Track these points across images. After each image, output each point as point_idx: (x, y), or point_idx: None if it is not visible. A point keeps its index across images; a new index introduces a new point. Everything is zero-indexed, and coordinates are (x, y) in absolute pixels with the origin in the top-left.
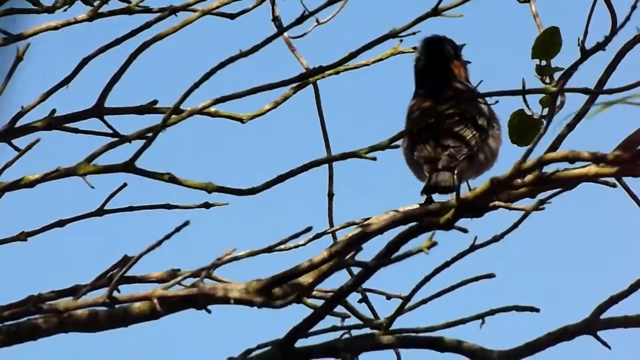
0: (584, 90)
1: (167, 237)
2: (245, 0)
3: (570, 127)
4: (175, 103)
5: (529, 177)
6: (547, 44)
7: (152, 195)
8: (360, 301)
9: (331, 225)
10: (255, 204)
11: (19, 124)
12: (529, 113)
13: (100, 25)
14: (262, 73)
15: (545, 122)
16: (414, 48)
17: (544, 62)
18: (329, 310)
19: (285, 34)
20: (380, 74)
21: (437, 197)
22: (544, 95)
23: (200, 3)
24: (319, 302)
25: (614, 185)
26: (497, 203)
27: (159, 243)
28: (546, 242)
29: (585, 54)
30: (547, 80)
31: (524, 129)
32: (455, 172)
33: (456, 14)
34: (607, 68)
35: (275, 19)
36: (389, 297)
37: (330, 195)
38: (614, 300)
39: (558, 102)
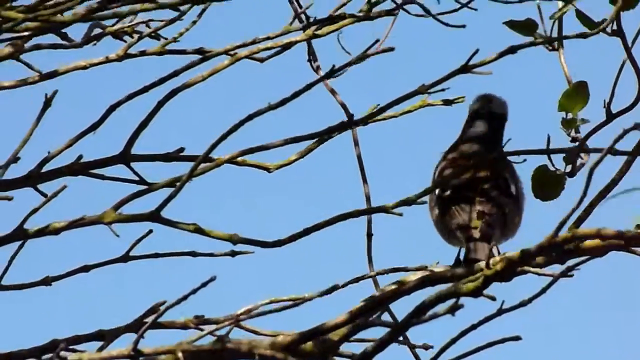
0: (611, 151)
1: (194, 291)
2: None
3: (600, 197)
4: (202, 154)
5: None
6: (575, 97)
7: (177, 243)
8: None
9: (370, 264)
10: (283, 253)
11: (45, 168)
12: (552, 169)
13: (131, 61)
14: (294, 112)
15: (581, 197)
16: (445, 101)
17: (570, 115)
18: None
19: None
20: (407, 124)
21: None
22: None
23: (229, 45)
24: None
25: None
26: (526, 268)
27: (186, 297)
28: (573, 308)
29: (611, 116)
30: (573, 133)
31: (547, 185)
32: (492, 243)
33: (486, 71)
34: None
35: (312, 61)
36: (416, 357)
37: (370, 235)
38: None
39: (582, 160)
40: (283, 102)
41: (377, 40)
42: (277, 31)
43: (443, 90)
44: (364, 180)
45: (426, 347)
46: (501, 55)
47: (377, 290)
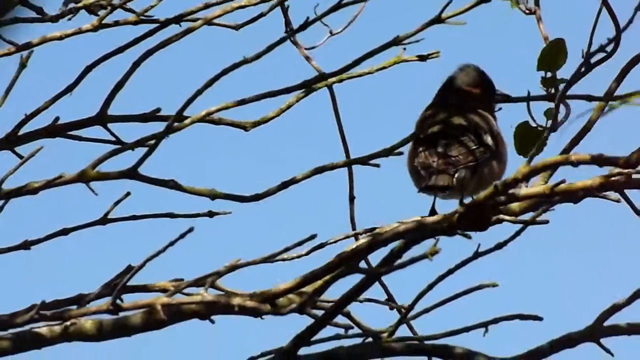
0: (587, 97)
1: (171, 243)
2: (251, 10)
3: (580, 136)
4: (178, 110)
5: (534, 190)
6: (553, 55)
7: (155, 203)
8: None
9: (354, 228)
10: (260, 212)
11: (22, 131)
12: (533, 125)
13: (105, 35)
14: (269, 79)
15: (548, 131)
16: (420, 57)
17: (549, 74)
18: (331, 319)
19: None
20: (383, 81)
21: (441, 210)
22: (548, 107)
23: (205, 11)
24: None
25: (617, 201)
26: (501, 216)
27: (163, 250)
28: (550, 254)
29: (589, 66)
30: (552, 92)
31: (529, 141)
32: (455, 176)
33: (459, 21)
34: (616, 79)
35: (288, 24)
36: (391, 307)
37: (352, 198)
38: (616, 308)
39: (563, 113)
40: (258, 56)
41: None
42: None
43: (418, 41)
44: (342, 135)
45: (405, 308)
46: (475, 4)
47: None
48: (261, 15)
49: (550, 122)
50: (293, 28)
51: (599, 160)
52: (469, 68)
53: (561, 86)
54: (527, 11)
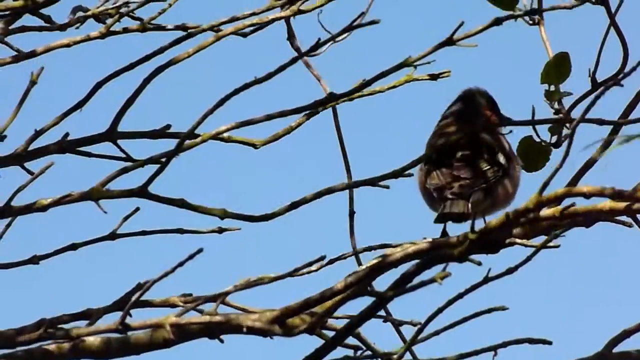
0: (597, 121)
1: (181, 264)
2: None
3: (590, 162)
4: (189, 129)
5: (545, 212)
6: (556, 69)
7: (165, 220)
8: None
9: (353, 244)
10: (268, 229)
11: (32, 147)
12: (537, 140)
13: (114, 42)
14: (277, 92)
15: (562, 155)
16: (431, 76)
17: (552, 87)
18: (341, 341)
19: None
20: (393, 99)
21: (451, 231)
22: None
23: (214, 21)
24: (333, 333)
25: (629, 225)
26: (513, 240)
27: (172, 270)
28: (561, 278)
29: (596, 85)
30: (556, 105)
31: (533, 156)
32: (470, 201)
33: (471, 44)
34: (630, 104)
35: (291, 37)
36: (400, 323)
37: (352, 214)
38: (627, 333)
39: (566, 132)
40: (269, 76)
41: (363, 14)
42: (262, 7)
43: (429, 63)
44: (344, 155)
45: (414, 324)
46: (487, 27)
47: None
48: (271, 21)
49: (555, 138)
50: (297, 42)
51: (611, 194)
52: (483, 92)
53: (565, 99)
54: (530, 22)
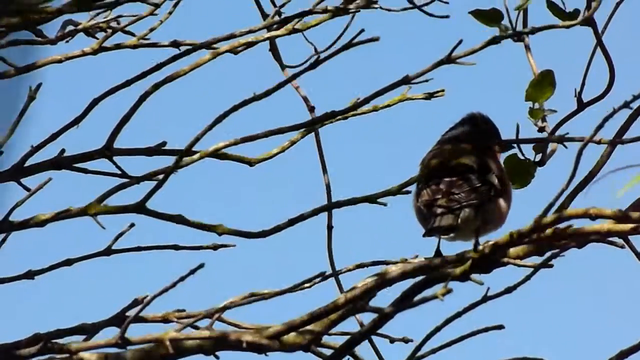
0: (581, 140)
1: (182, 279)
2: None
3: (585, 182)
4: (187, 145)
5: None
6: (541, 87)
7: (162, 236)
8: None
9: (331, 257)
10: (263, 246)
11: (28, 163)
12: (522, 158)
13: (106, 56)
14: (265, 110)
15: (569, 175)
16: (426, 95)
17: (536, 105)
18: (340, 358)
19: (289, 70)
20: (386, 117)
21: (448, 249)
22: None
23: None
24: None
25: (622, 247)
26: (506, 260)
27: (174, 285)
28: (556, 298)
29: (582, 105)
30: (540, 123)
31: (518, 173)
32: (460, 216)
33: (470, 62)
34: (623, 126)
35: (276, 57)
36: (392, 340)
37: (330, 227)
38: (623, 355)
39: (550, 149)
40: (268, 93)
41: (362, 30)
42: (258, 25)
43: (427, 80)
44: (324, 172)
45: (406, 341)
46: (485, 45)
47: (341, 291)
48: (267, 39)
49: (539, 156)
50: (280, 58)
51: (618, 217)
52: (487, 119)
53: (550, 117)
54: (515, 39)
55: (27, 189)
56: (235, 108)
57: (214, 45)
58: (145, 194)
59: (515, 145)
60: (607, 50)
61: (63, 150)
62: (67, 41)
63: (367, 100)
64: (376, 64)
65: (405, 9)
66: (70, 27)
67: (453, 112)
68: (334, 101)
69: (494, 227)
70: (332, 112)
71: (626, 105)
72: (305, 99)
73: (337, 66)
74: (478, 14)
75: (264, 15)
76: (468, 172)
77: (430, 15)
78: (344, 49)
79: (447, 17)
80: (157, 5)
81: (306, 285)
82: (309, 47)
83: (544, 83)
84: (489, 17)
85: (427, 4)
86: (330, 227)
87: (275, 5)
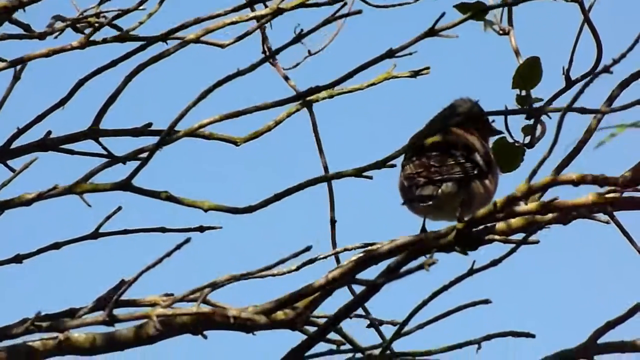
0: (580, 110)
1: (168, 254)
2: (236, 29)
3: (574, 153)
4: (171, 123)
5: (529, 206)
6: (528, 73)
7: (148, 215)
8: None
9: (334, 240)
10: (249, 226)
11: (14, 145)
12: (510, 141)
13: (94, 52)
14: (253, 102)
15: (550, 143)
16: (411, 73)
17: (524, 92)
18: (325, 335)
19: (279, 64)
20: (373, 95)
21: (434, 226)
22: (526, 124)
23: (191, 30)
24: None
25: (607, 222)
26: (492, 236)
27: (159, 261)
28: (542, 273)
29: (570, 83)
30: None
31: (507, 156)
32: (442, 188)
33: (452, 35)
34: (610, 95)
35: (267, 50)
36: (380, 323)
37: (333, 222)
38: (610, 325)
39: (539, 131)
40: (252, 68)
41: (345, 4)
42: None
43: (411, 54)
44: (320, 151)
45: (394, 324)
46: (467, 18)
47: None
48: (247, 34)
49: (528, 138)
50: (271, 48)
51: (599, 180)
52: (475, 104)
53: (537, 104)
54: (500, 32)
55: (13, 171)
56: (219, 83)
57: (199, 27)
58: (132, 171)
59: (504, 129)
60: (594, 27)
61: (49, 132)
62: (56, 37)
63: (351, 74)
64: (364, 44)
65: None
66: (59, 23)
67: (439, 90)
68: (321, 82)
69: (478, 206)
70: (317, 87)
71: (606, 70)
72: (286, 78)
73: (334, 56)
74: (462, 7)
75: (249, 3)
76: (452, 148)
77: None
78: (327, 22)
79: None
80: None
81: (293, 268)
82: (294, 26)
83: (530, 70)
84: (473, 9)
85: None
86: (333, 222)
87: None
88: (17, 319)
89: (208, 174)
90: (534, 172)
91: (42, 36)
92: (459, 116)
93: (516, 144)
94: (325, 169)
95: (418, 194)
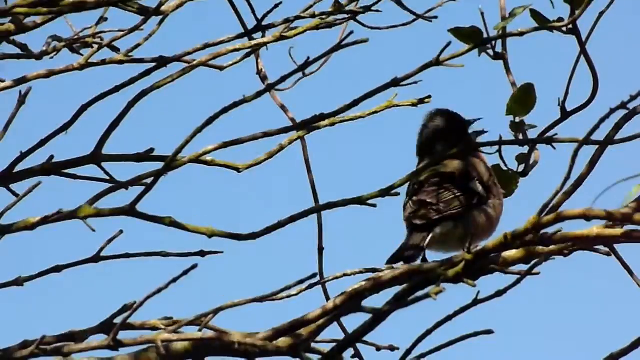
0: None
1: (174, 280)
2: (234, 54)
3: (577, 184)
4: (176, 148)
5: (532, 236)
6: (522, 101)
7: (151, 242)
8: (353, 357)
9: (321, 278)
10: (250, 253)
11: (17, 169)
12: (504, 168)
13: (92, 72)
14: (249, 129)
15: (563, 177)
16: (415, 101)
17: (518, 119)
18: None
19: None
20: (375, 121)
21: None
22: (520, 152)
23: (189, 55)
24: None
25: (607, 254)
26: (493, 267)
27: (165, 287)
28: (543, 304)
29: (566, 114)
30: (521, 137)
31: (502, 184)
32: (438, 232)
33: (458, 64)
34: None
35: (260, 72)
36: (378, 348)
37: (320, 249)
38: (613, 358)
39: (532, 160)
40: (258, 95)
41: (352, 32)
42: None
43: (416, 83)
44: (313, 186)
45: (392, 349)
46: (473, 47)
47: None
48: (246, 56)
49: (522, 167)
50: (265, 73)
51: (613, 217)
52: (439, 115)
53: (531, 131)
54: (493, 57)
55: (16, 195)
56: (224, 110)
57: (200, 54)
58: (136, 197)
59: (498, 157)
60: (590, 59)
61: (52, 157)
62: (52, 57)
63: (356, 103)
64: (367, 73)
65: (392, 26)
66: (55, 43)
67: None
68: (324, 110)
69: (483, 236)
70: (320, 115)
71: (623, 106)
72: (283, 107)
73: (327, 76)
74: (457, 32)
75: (247, 32)
76: (449, 181)
77: (421, 17)
78: (333, 50)
79: (435, 17)
80: (144, 22)
81: (293, 293)
82: (297, 53)
83: (524, 97)
84: (468, 35)
85: (412, 22)
86: (321, 249)
87: (257, 20)
88: (18, 341)
89: (211, 201)
90: (546, 206)
91: (39, 56)
92: (442, 134)
93: (510, 172)
94: (315, 196)
95: (406, 243)
